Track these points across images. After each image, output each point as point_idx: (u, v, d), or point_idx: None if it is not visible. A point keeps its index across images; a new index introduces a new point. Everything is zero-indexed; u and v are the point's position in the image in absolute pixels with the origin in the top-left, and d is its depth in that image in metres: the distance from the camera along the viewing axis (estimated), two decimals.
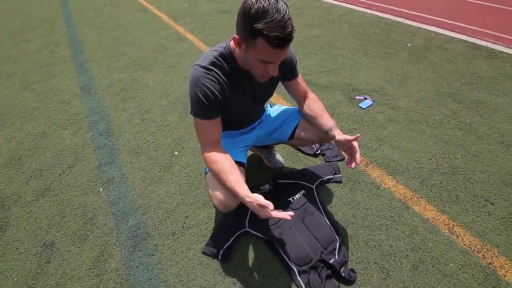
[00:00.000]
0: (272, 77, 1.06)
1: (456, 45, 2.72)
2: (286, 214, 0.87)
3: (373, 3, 3.98)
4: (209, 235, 1.25)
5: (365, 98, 2.04)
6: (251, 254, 1.18)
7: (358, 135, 1.00)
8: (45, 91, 2.53)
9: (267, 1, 0.72)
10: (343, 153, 1.60)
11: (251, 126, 1.24)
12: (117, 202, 1.46)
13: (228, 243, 1.18)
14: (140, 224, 1.34)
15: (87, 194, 1.52)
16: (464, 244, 1.16)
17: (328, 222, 1.23)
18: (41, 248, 1.28)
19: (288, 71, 1.09)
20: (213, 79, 0.92)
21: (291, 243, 1.17)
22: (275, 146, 1.56)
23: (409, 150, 1.61)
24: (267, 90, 1.10)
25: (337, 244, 1.16)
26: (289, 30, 0.74)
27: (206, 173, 1.15)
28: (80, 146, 1.85)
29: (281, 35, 0.73)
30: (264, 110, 1.28)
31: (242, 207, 1.27)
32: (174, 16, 4.07)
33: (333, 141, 1.08)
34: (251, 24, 0.74)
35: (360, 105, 1.98)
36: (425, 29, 3.08)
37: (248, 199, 0.88)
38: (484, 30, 2.98)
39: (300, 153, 1.64)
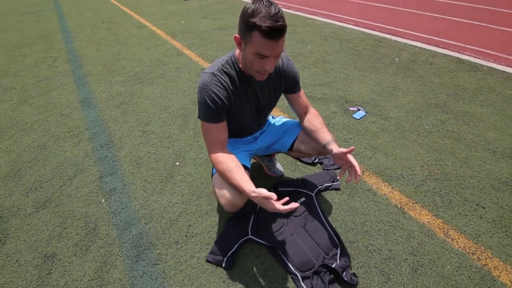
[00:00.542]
0: (275, 88, 1.13)
1: (441, 59, 2.89)
2: (292, 205, 0.91)
3: (361, 20, 4.20)
4: (213, 243, 1.26)
5: (358, 109, 2.14)
6: (254, 261, 1.20)
7: (352, 147, 1.04)
8: (44, 105, 2.55)
9: (262, 2, 0.84)
10: None
11: (254, 135, 1.30)
12: (119, 212, 1.47)
13: (232, 251, 1.20)
14: (143, 233, 1.35)
15: (88, 205, 1.52)
16: (459, 247, 1.21)
17: (328, 228, 1.27)
18: (42, 260, 1.27)
19: (291, 85, 1.16)
20: (220, 85, 0.99)
21: (293, 249, 1.19)
22: (275, 154, 1.61)
23: (402, 157, 1.69)
24: (270, 100, 1.16)
25: (338, 249, 1.19)
26: (280, 23, 0.82)
27: (212, 174, 1.19)
28: (80, 158, 1.86)
29: (273, 26, 0.81)
30: (266, 121, 1.34)
31: (246, 213, 1.31)
32: (171, 33, 4.19)
33: (330, 155, 1.13)
34: (247, 20, 0.84)
35: (354, 116, 2.07)
36: (411, 45, 3.26)
37: (253, 194, 0.92)
38: (465, 45, 3.18)
39: (299, 162, 1.69)
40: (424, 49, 3.14)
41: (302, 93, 1.22)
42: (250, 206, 1.31)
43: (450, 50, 3.08)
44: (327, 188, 1.49)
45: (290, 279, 1.12)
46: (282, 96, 1.24)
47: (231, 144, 1.26)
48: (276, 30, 0.82)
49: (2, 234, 1.40)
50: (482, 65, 2.71)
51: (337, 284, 1.09)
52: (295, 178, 1.56)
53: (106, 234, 1.36)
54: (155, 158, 1.81)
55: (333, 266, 1.10)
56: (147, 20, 5.03)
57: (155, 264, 1.21)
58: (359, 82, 2.54)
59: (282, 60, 1.12)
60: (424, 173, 1.58)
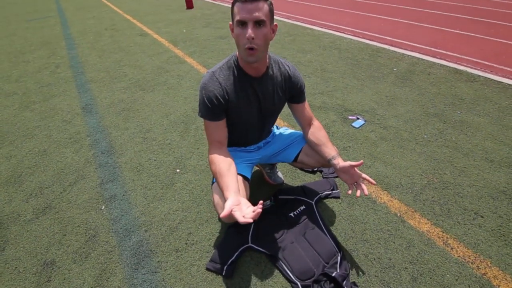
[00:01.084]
0: (279, 91, 1.12)
1: (438, 69, 2.94)
2: (257, 208, 0.84)
3: (359, 31, 4.29)
4: (213, 251, 1.26)
5: (358, 118, 2.17)
6: (254, 269, 1.19)
7: (362, 161, 1.03)
8: (45, 111, 2.56)
9: None
10: None
11: (257, 145, 1.31)
12: (119, 219, 1.47)
13: (232, 259, 1.20)
14: (143, 241, 1.35)
15: (88, 212, 1.52)
16: (459, 256, 1.21)
17: (328, 237, 1.27)
18: (41, 267, 1.27)
19: (296, 94, 1.18)
20: (217, 83, 1.03)
21: (293, 258, 1.19)
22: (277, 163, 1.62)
23: (401, 166, 1.70)
24: (273, 102, 1.14)
25: (338, 257, 1.19)
26: None
27: (212, 183, 1.19)
28: (81, 164, 1.87)
29: None
30: (271, 131, 1.36)
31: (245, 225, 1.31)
32: (173, 41, 4.26)
33: (335, 169, 1.12)
34: (232, 1, 0.93)
35: (353, 124, 2.10)
36: (408, 55, 3.32)
37: (222, 214, 0.85)
38: (462, 56, 3.24)
39: (299, 170, 1.70)
40: (422, 59, 3.20)
41: (306, 104, 1.23)
42: None
43: (447, 60, 3.14)
44: (327, 196, 1.50)
45: None
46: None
47: (233, 153, 1.27)
48: None
49: (2, 241, 1.40)
50: (479, 76, 2.76)
51: None
52: (295, 186, 1.57)
53: (106, 241, 1.36)
54: (155, 165, 1.82)
55: (333, 275, 1.10)
56: (149, 28, 5.11)
57: (155, 272, 1.21)
58: (358, 91, 2.58)
59: (289, 67, 1.14)
60: (423, 181, 1.59)
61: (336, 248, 1.22)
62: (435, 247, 1.25)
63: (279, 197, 1.47)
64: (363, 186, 1.06)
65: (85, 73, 3.35)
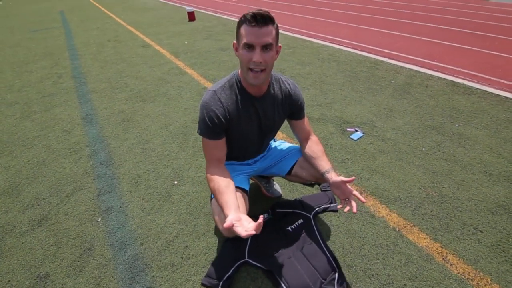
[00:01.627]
0: (280, 109, 1.14)
1: (436, 82, 2.97)
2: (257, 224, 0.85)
3: (358, 43, 4.36)
4: (209, 266, 1.25)
5: (356, 130, 2.18)
6: (251, 285, 1.17)
7: (353, 177, 1.04)
8: (46, 121, 2.58)
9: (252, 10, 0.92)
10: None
11: (254, 159, 1.32)
12: (116, 232, 1.46)
13: (228, 274, 1.18)
14: (138, 255, 1.33)
15: (85, 224, 1.51)
16: (458, 272, 1.19)
17: (326, 252, 1.26)
18: (35, 281, 1.25)
19: (296, 111, 1.19)
20: (219, 102, 1.03)
21: (290, 273, 1.18)
22: (273, 177, 1.62)
23: (399, 179, 1.70)
24: (273, 121, 1.16)
25: (336, 274, 1.18)
26: (263, 12, 0.89)
27: (211, 198, 1.19)
28: (79, 175, 1.87)
29: (256, 13, 0.88)
30: (268, 146, 1.36)
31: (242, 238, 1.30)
32: (175, 52, 4.33)
33: (328, 184, 1.12)
34: (238, 21, 0.94)
35: (352, 136, 2.11)
36: (406, 68, 3.37)
37: (225, 225, 0.85)
38: (459, 69, 3.28)
39: (296, 183, 1.70)
40: (420, 72, 3.24)
41: (306, 120, 1.25)
42: None
43: (444, 73, 3.18)
44: (325, 210, 1.49)
45: None
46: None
47: (229, 166, 1.27)
48: (258, 16, 0.88)
49: None
50: (476, 88, 2.79)
51: None
52: (293, 199, 1.57)
53: (101, 255, 1.34)
54: (153, 176, 1.82)
55: None
56: (151, 39, 5.21)
57: None
58: (357, 104, 2.60)
59: (290, 85, 1.16)
60: (421, 195, 1.58)
61: (334, 264, 1.20)
62: (434, 263, 1.23)
63: (277, 210, 1.46)
64: (353, 203, 1.04)
65: (87, 83, 3.39)
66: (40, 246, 1.41)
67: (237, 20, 0.96)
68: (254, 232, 0.84)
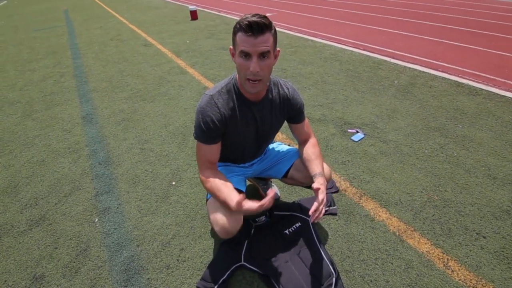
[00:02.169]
0: (278, 114, 1.12)
1: (440, 82, 2.92)
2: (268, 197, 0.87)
3: (361, 43, 4.31)
4: (204, 269, 1.23)
5: (357, 131, 2.14)
6: None
7: (320, 187, 0.99)
8: (47, 120, 2.59)
9: (249, 14, 0.89)
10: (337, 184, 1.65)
11: (251, 162, 1.30)
12: (112, 233, 1.45)
13: (224, 278, 1.16)
14: (134, 256, 1.32)
15: (82, 224, 1.51)
16: (460, 279, 1.16)
17: (324, 256, 1.23)
18: (31, 281, 1.24)
19: (295, 115, 1.17)
20: (215, 108, 1.01)
21: (287, 278, 1.15)
22: (270, 179, 1.60)
23: (401, 182, 1.67)
24: (270, 126, 1.14)
25: (333, 279, 1.15)
26: (259, 19, 0.85)
27: (207, 199, 1.18)
28: (78, 175, 1.86)
29: (252, 20, 0.84)
30: (266, 148, 1.34)
31: (239, 238, 1.28)
32: (176, 52, 4.32)
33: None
34: (234, 26, 0.90)
35: (353, 138, 2.07)
36: (410, 68, 3.32)
37: (242, 207, 0.88)
38: (464, 69, 3.22)
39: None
40: (423, 72, 3.19)
41: (306, 123, 1.22)
42: (244, 231, 1.28)
43: (448, 73, 3.13)
44: (324, 213, 1.46)
45: None
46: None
47: (226, 167, 1.26)
48: (255, 24, 0.84)
49: None
50: (481, 89, 2.73)
51: None
52: (291, 201, 1.54)
53: (97, 256, 1.34)
54: (151, 177, 1.81)
55: None
56: (153, 38, 5.21)
57: None
58: (358, 104, 2.56)
59: (289, 89, 1.13)
60: (423, 199, 1.55)
61: (332, 269, 1.18)
62: (435, 269, 1.20)
63: (275, 213, 1.44)
64: (315, 214, 0.99)
65: (88, 82, 3.40)
66: (37, 246, 1.41)
67: (238, 18, 0.93)
68: (266, 203, 0.86)
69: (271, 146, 1.38)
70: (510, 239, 1.31)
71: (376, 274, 1.19)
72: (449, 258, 1.24)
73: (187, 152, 2.01)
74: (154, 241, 1.38)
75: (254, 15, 0.86)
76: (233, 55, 0.96)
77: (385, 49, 3.99)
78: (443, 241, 1.32)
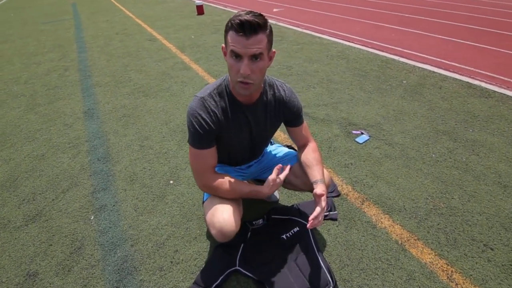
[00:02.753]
0: (272, 117, 1.08)
1: (450, 83, 2.82)
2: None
3: (369, 41, 4.19)
4: (198, 272, 1.20)
5: (362, 133, 2.08)
6: None
7: (322, 193, 0.98)
8: (49, 114, 2.59)
9: (243, 11, 0.84)
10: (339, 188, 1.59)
11: (248, 165, 1.26)
12: (107, 231, 1.43)
13: (217, 282, 1.13)
14: (127, 256, 1.30)
15: (77, 222, 1.49)
16: None
17: (322, 263, 1.19)
18: (24, 278, 1.23)
19: (292, 118, 1.12)
20: (208, 110, 0.96)
21: (282, 285, 1.12)
22: None
23: (405, 188, 1.60)
24: (265, 129, 1.10)
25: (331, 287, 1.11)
26: (252, 18, 0.79)
27: (203, 201, 1.14)
28: (76, 171, 1.85)
29: (244, 19, 0.79)
30: (262, 152, 1.29)
31: (235, 242, 1.24)
32: (181, 47, 4.28)
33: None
34: (226, 24, 0.85)
35: (357, 140, 2.01)
36: (419, 67, 3.21)
37: (266, 190, 1.03)
38: (476, 70, 3.10)
39: None
40: (433, 72, 3.08)
41: (304, 126, 1.17)
42: (240, 234, 1.25)
43: (460, 74, 3.01)
44: (323, 218, 1.41)
45: None
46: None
47: (222, 168, 1.22)
48: (247, 23, 0.79)
49: None
50: (494, 91, 2.62)
51: None
52: (290, 205, 1.50)
53: (90, 255, 1.32)
54: (149, 174, 1.78)
55: None
56: (159, 33, 5.17)
57: None
58: (364, 104, 2.49)
59: (285, 91, 1.08)
60: (428, 206, 1.49)
61: (329, 277, 1.14)
62: (438, 281, 1.15)
63: (272, 216, 1.39)
64: (315, 222, 0.95)
65: (92, 76, 3.39)
66: (32, 242, 1.40)
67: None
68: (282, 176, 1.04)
69: (269, 148, 1.33)
70: None
71: (376, 284, 1.14)
72: (453, 270, 1.19)
73: (186, 150, 1.98)
74: (148, 241, 1.36)
75: (248, 13, 0.81)
76: (225, 54, 0.90)
77: (394, 48, 3.87)
78: (447, 251, 1.26)
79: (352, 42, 4.17)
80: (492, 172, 1.69)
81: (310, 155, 1.12)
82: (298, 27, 5.12)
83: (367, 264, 1.22)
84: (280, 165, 1.02)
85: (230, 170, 1.23)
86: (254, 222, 1.36)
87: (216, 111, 0.97)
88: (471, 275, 1.17)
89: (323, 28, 5.00)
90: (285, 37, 4.49)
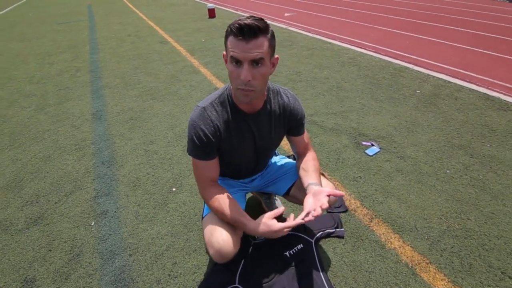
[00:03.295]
0: (277, 126, 1.03)
1: (467, 94, 2.70)
2: (296, 222, 0.86)
3: (382, 47, 4.10)
4: (196, 287, 1.15)
5: (372, 145, 2.00)
6: None
7: (342, 193, 0.88)
8: (58, 114, 2.61)
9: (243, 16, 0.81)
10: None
11: (252, 178, 1.21)
12: (107, 238, 1.40)
13: None
14: (125, 266, 1.27)
15: (78, 227, 1.47)
16: None
17: (326, 285, 1.12)
18: (21, 284, 1.22)
19: (295, 126, 1.07)
20: (209, 121, 0.92)
21: None
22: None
23: (417, 206, 1.52)
24: (270, 139, 1.05)
25: None
26: (251, 21, 0.76)
27: (202, 217, 1.10)
28: (81, 174, 1.84)
29: (243, 23, 0.76)
30: (267, 164, 1.25)
31: (236, 257, 1.19)
32: (191, 50, 4.29)
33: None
34: (226, 30, 0.82)
35: (367, 151, 1.93)
36: (434, 77, 3.10)
37: (251, 227, 0.93)
38: (495, 81, 2.97)
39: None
40: (449, 82, 2.97)
41: (305, 135, 1.13)
42: (242, 249, 1.19)
43: (477, 85, 2.89)
44: (329, 235, 1.35)
45: None
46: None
47: (224, 182, 1.18)
48: (246, 27, 0.75)
49: None
50: None
51: None
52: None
53: (88, 263, 1.29)
54: (152, 180, 1.76)
55: None
56: (170, 36, 5.21)
57: None
58: (376, 114, 2.41)
59: (289, 98, 1.03)
60: (442, 226, 1.40)
61: None
62: None
63: None
64: (317, 209, 0.83)
65: (102, 78, 3.42)
66: (32, 247, 1.38)
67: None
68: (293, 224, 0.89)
69: (273, 160, 1.28)
70: None
71: None
72: None
73: (190, 157, 1.95)
74: (147, 251, 1.33)
75: (248, 17, 0.77)
76: (226, 61, 0.87)
77: (409, 55, 3.77)
78: (462, 278, 1.18)
79: (364, 48, 4.09)
80: (511, 192, 1.59)
81: (309, 163, 1.06)
82: (309, 32, 5.07)
83: None
84: (293, 215, 0.90)
85: (233, 183, 1.18)
86: (256, 237, 1.31)
87: (217, 121, 0.93)
88: None
89: (334, 33, 4.93)
90: (296, 42, 4.44)
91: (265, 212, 1.47)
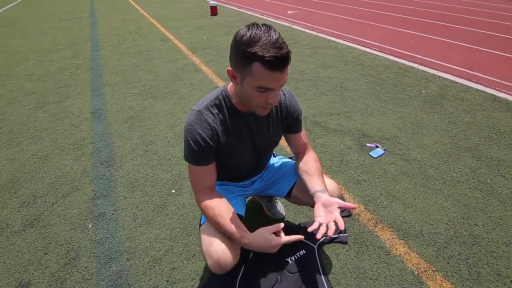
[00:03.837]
0: (275, 125, 1.00)
1: (473, 95, 2.64)
2: (296, 237, 0.87)
3: (387, 46, 4.03)
4: None
5: (377, 146, 1.95)
6: None
7: (355, 206, 0.88)
8: (57, 113, 2.58)
9: (259, 28, 0.72)
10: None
11: (251, 180, 1.17)
12: (104, 242, 1.37)
13: None
14: (122, 271, 1.23)
15: (74, 230, 1.44)
16: None
17: None
18: None
19: (292, 124, 1.04)
20: (206, 125, 0.88)
21: None
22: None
23: (423, 210, 1.47)
24: (269, 138, 1.02)
25: None
26: (285, 50, 0.71)
27: (200, 225, 1.06)
28: (79, 174, 1.81)
29: (279, 55, 0.69)
30: (266, 165, 1.21)
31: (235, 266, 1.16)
32: (192, 48, 4.24)
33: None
34: (245, 50, 0.71)
35: (371, 153, 1.89)
36: (440, 77, 3.04)
37: (245, 241, 0.88)
38: (502, 82, 2.90)
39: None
40: (455, 82, 2.90)
41: (303, 133, 1.09)
42: (242, 255, 1.16)
43: (484, 85, 2.83)
44: (332, 241, 1.31)
45: None
46: None
47: (224, 186, 1.14)
48: (281, 59, 0.70)
49: None
50: None
51: None
52: (297, 224, 1.40)
53: (85, 267, 1.26)
54: (151, 182, 1.72)
55: None
56: (171, 33, 5.16)
57: None
58: (380, 115, 2.35)
59: (285, 95, 1.00)
60: (448, 232, 1.36)
61: None
62: None
63: None
64: (331, 225, 0.83)
65: (102, 76, 3.38)
66: (28, 250, 1.35)
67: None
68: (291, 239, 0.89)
69: (272, 161, 1.24)
70: None
71: None
72: None
73: None
74: (145, 256, 1.29)
75: (274, 43, 0.70)
76: (234, 77, 0.80)
77: (414, 55, 3.70)
78: (469, 287, 1.14)
79: (368, 47, 4.02)
80: None
81: (311, 164, 1.02)
82: (313, 30, 5.00)
83: None
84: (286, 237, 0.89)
85: (232, 189, 1.14)
86: None
87: (214, 124, 0.89)
88: None
89: (338, 32, 4.86)
90: (299, 41, 4.38)
91: (266, 217, 1.44)
